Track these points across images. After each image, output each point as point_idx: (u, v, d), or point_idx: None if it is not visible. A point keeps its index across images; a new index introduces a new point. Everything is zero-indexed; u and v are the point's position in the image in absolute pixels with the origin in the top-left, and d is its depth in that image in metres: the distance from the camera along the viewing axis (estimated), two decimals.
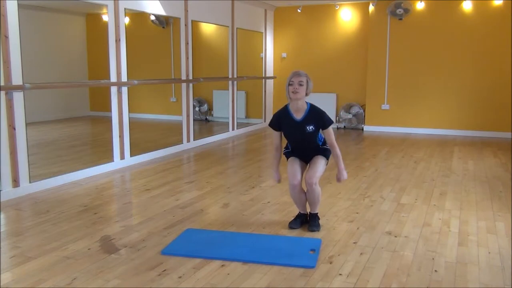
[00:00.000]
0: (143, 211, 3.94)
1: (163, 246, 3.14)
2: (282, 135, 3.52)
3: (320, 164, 3.44)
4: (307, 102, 3.44)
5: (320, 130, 3.42)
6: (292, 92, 3.34)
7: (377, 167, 5.67)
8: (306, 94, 3.38)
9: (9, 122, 4.25)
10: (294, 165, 3.47)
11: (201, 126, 8.53)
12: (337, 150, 3.40)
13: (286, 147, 3.62)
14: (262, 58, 9.37)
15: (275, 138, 3.54)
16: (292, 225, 3.53)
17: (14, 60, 4.23)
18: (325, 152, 3.51)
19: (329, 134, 3.40)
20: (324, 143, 3.52)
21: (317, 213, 3.56)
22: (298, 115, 3.41)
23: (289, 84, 3.35)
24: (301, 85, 3.33)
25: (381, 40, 8.73)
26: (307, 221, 3.58)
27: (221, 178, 5.12)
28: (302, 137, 3.43)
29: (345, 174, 3.44)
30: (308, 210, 3.58)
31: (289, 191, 3.53)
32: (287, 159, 3.58)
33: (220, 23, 7.83)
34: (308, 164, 3.52)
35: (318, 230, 3.46)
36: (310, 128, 3.37)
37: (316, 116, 3.39)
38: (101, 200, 4.26)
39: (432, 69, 8.47)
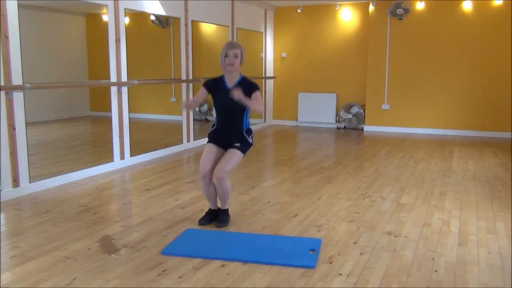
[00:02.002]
0: (143, 211, 3.94)
1: (163, 246, 3.14)
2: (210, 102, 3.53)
3: (233, 157, 3.43)
4: (240, 74, 3.50)
5: (251, 95, 3.36)
6: (228, 64, 3.40)
7: (377, 167, 5.67)
8: (240, 65, 3.46)
9: (9, 122, 4.25)
10: (207, 154, 3.49)
11: (201, 126, 8.52)
12: (259, 106, 3.33)
13: (212, 126, 3.61)
14: (262, 58, 9.37)
15: (198, 94, 3.55)
16: (202, 221, 3.56)
17: (14, 60, 4.23)
18: (244, 143, 3.49)
19: (257, 98, 3.38)
20: (249, 131, 3.51)
21: (227, 209, 3.60)
22: (230, 84, 3.47)
23: (225, 56, 3.41)
24: (236, 57, 3.41)
25: (381, 40, 8.73)
26: (216, 216, 3.61)
27: None
28: (230, 105, 3.39)
29: (236, 91, 3.22)
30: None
31: (200, 185, 3.55)
32: (207, 141, 3.59)
33: (220, 23, 7.83)
34: (223, 156, 3.48)
35: (225, 226, 3.51)
36: None
37: (246, 85, 3.42)
38: (101, 200, 4.26)
39: (432, 69, 8.47)
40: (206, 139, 3.66)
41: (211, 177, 3.49)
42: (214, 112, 3.60)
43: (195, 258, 2.94)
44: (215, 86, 3.52)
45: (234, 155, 3.45)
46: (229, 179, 4.74)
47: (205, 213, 3.68)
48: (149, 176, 5.22)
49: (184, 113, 6.92)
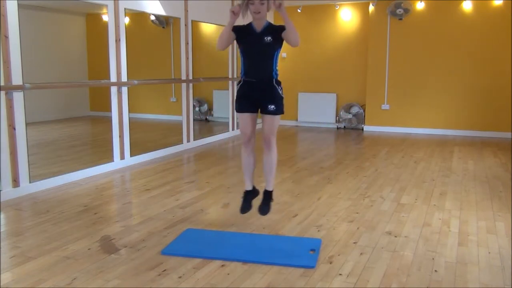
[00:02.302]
0: (143, 211, 3.94)
1: (163, 246, 3.14)
2: (236, 48, 3.39)
3: (274, 122, 3.35)
4: (267, 21, 3.34)
5: (282, 35, 3.25)
6: (254, 12, 3.21)
7: (377, 167, 5.67)
8: (268, 11, 3.28)
9: (9, 122, 4.25)
10: (245, 119, 3.38)
11: (201, 126, 8.53)
12: (296, 32, 3.20)
13: (239, 82, 3.45)
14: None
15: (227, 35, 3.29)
16: (244, 210, 3.49)
17: (14, 60, 4.23)
18: (276, 103, 3.34)
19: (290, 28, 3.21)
20: (278, 82, 3.36)
21: (272, 191, 3.50)
22: (258, 28, 3.31)
23: (250, 4, 3.20)
24: (262, 4, 3.20)
25: (381, 40, 8.73)
26: (255, 195, 3.55)
27: (221, 178, 5.12)
28: (259, 48, 3.30)
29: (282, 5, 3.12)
30: (259, 187, 3.52)
31: (241, 154, 3.47)
32: (236, 107, 3.43)
33: (220, 23, 7.83)
34: (263, 121, 3.39)
35: (267, 213, 3.46)
36: (268, 39, 3.26)
37: (274, 27, 3.30)
38: (101, 200, 4.26)
39: (432, 69, 8.47)
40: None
41: (255, 141, 3.41)
42: (241, 62, 3.40)
43: (195, 258, 2.94)
44: (243, 33, 3.34)
45: (274, 120, 3.36)
46: (229, 179, 4.74)
47: (242, 199, 3.54)
48: (149, 176, 5.22)
49: (184, 113, 6.92)
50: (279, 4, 3.11)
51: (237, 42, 3.37)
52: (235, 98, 3.48)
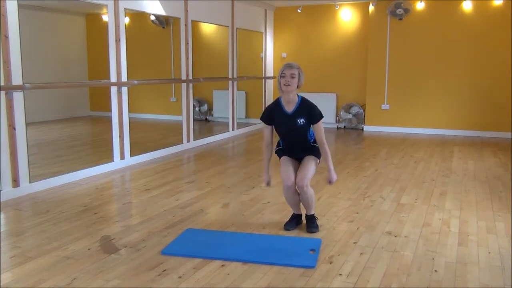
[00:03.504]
0: (143, 211, 3.94)
1: (163, 246, 3.14)
2: (274, 131, 3.49)
3: (310, 165, 3.40)
4: (298, 95, 3.43)
5: (311, 125, 3.39)
6: (284, 84, 3.31)
7: (377, 167, 5.67)
8: (298, 87, 3.38)
9: (9, 122, 4.25)
10: (287, 165, 3.43)
11: (201, 126, 8.53)
12: (326, 147, 3.37)
13: (278, 145, 3.58)
14: (262, 58, 9.37)
15: (266, 134, 3.49)
16: (288, 227, 3.51)
17: (14, 60, 4.23)
18: (316, 152, 3.47)
19: (319, 129, 3.36)
20: (315, 140, 3.46)
21: (313, 214, 3.54)
22: (289, 108, 3.38)
23: (281, 77, 3.33)
24: (293, 77, 3.32)
25: (381, 40, 8.73)
26: (300, 221, 3.58)
27: (221, 178, 5.12)
28: (293, 131, 3.38)
29: (334, 176, 3.41)
30: (304, 212, 3.57)
31: (283, 193, 3.50)
32: (279, 158, 3.55)
33: (220, 23, 7.83)
34: (300, 165, 3.47)
35: (317, 231, 3.45)
36: (301, 121, 3.34)
37: (307, 109, 3.37)
38: (101, 200, 4.26)
39: (432, 69, 8.47)
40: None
41: (295, 187, 3.42)
42: (279, 137, 3.54)
43: (195, 258, 2.94)
44: (273, 114, 3.43)
45: (311, 163, 3.41)
46: (229, 179, 4.74)
47: (290, 218, 3.58)
48: (149, 176, 5.22)
49: (184, 113, 6.92)
50: (329, 182, 3.43)
51: (272, 124, 3.48)
52: (276, 150, 3.61)
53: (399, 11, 8.41)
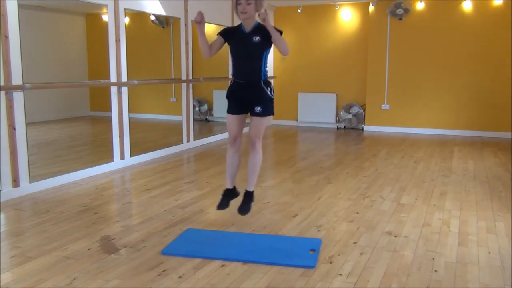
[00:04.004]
0: (143, 211, 3.94)
1: (163, 246, 3.14)
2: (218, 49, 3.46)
3: (262, 123, 3.39)
4: (256, 21, 3.38)
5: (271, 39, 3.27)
6: (241, 12, 3.30)
7: (377, 167, 5.67)
8: (257, 11, 3.33)
9: (9, 122, 4.25)
10: (233, 120, 3.43)
11: (201, 126, 8.53)
12: (284, 42, 3.27)
13: (230, 83, 3.50)
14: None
15: (214, 42, 3.44)
16: (222, 207, 3.53)
17: (14, 60, 4.23)
18: (265, 105, 3.37)
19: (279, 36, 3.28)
20: (267, 83, 3.38)
21: (253, 192, 3.54)
22: (247, 28, 3.37)
23: (238, 4, 3.30)
24: (249, 4, 3.27)
25: (381, 40, 8.73)
26: (235, 195, 3.60)
27: (221, 178, 5.11)
28: (247, 49, 3.34)
29: (268, 20, 3.20)
30: (240, 187, 3.58)
31: (227, 153, 3.50)
32: (227, 108, 3.47)
33: (220, 23, 7.82)
34: (251, 122, 3.43)
35: (247, 214, 3.49)
36: (256, 38, 3.31)
37: (263, 28, 3.31)
38: (101, 200, 4.26)
39: (432, 69, 8.47)
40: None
41: (241, 142, 3.46)
42: (230, 63, 3.45)
43: (195, 258, 2.94)
44: (232, 34, 3.42)
45: (261, 122, 3.39)
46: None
47: (221, 196, 3.58)
48: (149, 176, 5.22)
49: (184, 113, 6.92)
50: (263, 19, 3.19)
51: (228, 44, 3.45)
52: (226, 95, 3.53)
53: (399, 11, 8.41)
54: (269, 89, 3.41)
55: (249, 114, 3.46)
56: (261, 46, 3.34)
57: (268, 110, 3.41)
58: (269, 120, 3.46)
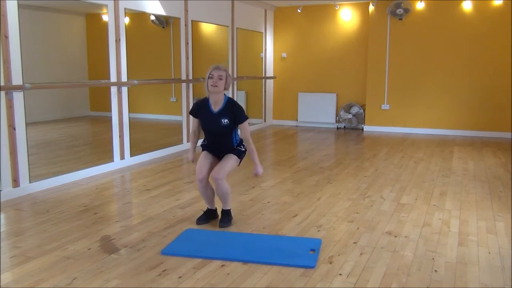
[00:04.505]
0: (143, 211, 3.94)
1: (163, 246, 3.14)
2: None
3: (229, 161, 3.48)
4: (225, 96, 3.48)
5: (238, 125, 3.46)
6: (212, 85, 3.37)
7: (377, 167, 5.67)
8: (225, 89, 3.43)
9: (9, 122, 4.25)
10: (203, 160, 3.53)
11: None
12: (251, 145, 3.46)
13: (204, 140, 3.64)
14: (262, 58, 9.37)
15: (193, 124, 3.61)
16: (200, 221, 3.60)
17: (14, 60, 4.23)
18: (238, 152, 3.55)
19: (244, 129, 3.46)
20: (240, 143, 3.56)
21: (229, 209, 3.61)
22: (216, 108, 3.45)
23: (209, 77, 3.38)
24: (220, 79, 3.37)
25: (381, 40, 8.73)
26: (215, 216, 3.68)
27: None
28: (217, 130, 3.46)
29: (260, 169, 3.48)
30: (219, 207, 3.68)
31: (197, 186, 3.57)
32: (202, 150, 3.63)
33: (220, 23, 7.83)
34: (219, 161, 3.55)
35: (228, 226, 3.53)
36: (225, 121, 3.41)
37: (232, 110, 3.43)
38: (101, 200, 4.26)
39: (432, 69, 8.47)
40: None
41: (207, 181, 3.52)
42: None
43: (195, 258, 2.94)
44: (200, 111, 3.52)
45: (230, 160, 3.49)
46: (230, 179, 4.72)
47: (203, 212, 3.71)
48: (149, 176, 5.22)
49: (184, 113, 6.92)
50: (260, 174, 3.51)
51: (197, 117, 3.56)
52: (201, 144, 3.67)
53: (399, 11, 8.41)
54: (242, 146, 3.57)
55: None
56: (231, 126, 3.47)
57: (240, 154, 3.56)
58: (235, 163, 3.53)
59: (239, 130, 3.53)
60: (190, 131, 3.72)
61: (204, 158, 3.54)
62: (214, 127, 3.46)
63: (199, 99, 3.63)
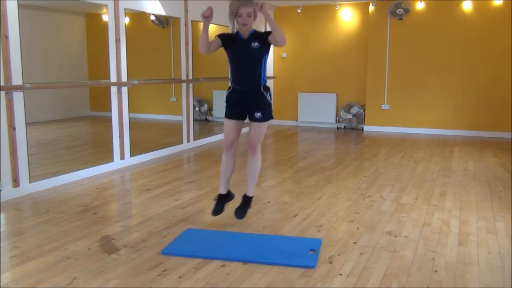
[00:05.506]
0: (143, 211, 3.94)
1: (163, 246, 3.14)
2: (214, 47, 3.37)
3: (261, 129, 3.40)
4: (252, 29, 3.38)
5: (268, 39, 3.29)
6: (242, 24, 3.27)
7: (377, 167, 5.67)
8: (253, 20, 3.32)
9: (9, 122, 4.25)
10: (230, 124, 3.43)
11: (201, 126, 8.53)
12: (281, 33, 3.24)
13: (228, 89, 3.50)
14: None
15: (213, 41, 3.34)
16: (216, 212, 3.52)
17: (14, 60, 4.23)
18: (264, 110, 3.40)
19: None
20: (266, 88, 3.40)
21: (252, 197, 3.55)
22: (245, 35, 3.36)
23: (238, 16, 3.25)
24: (249, 16, 3.26)
25: (381, 40, 8.73)
26: (228, 200, 3.61)
27: None
28: (246, 55, 3.34)
29: (265, 10, 3.20)
30: (235, 192, 3.62)
31: (222, 157, 3.49)
32: (225, 113, 3.46)
33: (220, 23, 7.82)
34: (250, 127, 3.44)
35: (243, 217, 3.50)
36: (255, 44, 3.31)
37: (260, 33, 3.36)
38: (101, 200, 4.26)
39: (432, 69, 8.47)
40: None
41: (237, 147, 3.45)
42: (229, 69, 3.44)
43: (195, 258, 2.94)
44: (230, 40, 3.39)
45: (261, 128, 3.41)
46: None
47: (215, 201, 3.59)
48: (149, 176, 5.22)
49: (184, 113, 6.92)
50: (261, 6, 3.19)
51: (225, 49, 3.42)
52: (225, 103, 3.51)
53: (399, 11, 8.41)
54: (268, 94, 3.44)
55: (247, 119, 3.48)
56: (260, 52, 3.35)
57: (267, 115, 3.44)
58: (266, 128, 3.46)
59: (271, 39, 3.27)
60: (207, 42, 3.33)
61: (230, 124, 3.43)
62: (244, 52, 3.33)
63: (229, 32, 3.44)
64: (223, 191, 3.62)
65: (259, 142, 3.43)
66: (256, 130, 3.43)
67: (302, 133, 8.74)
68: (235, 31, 3.39)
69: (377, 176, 5.22)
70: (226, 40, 3.39)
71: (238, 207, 3.57)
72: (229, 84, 3.49)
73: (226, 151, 3.51)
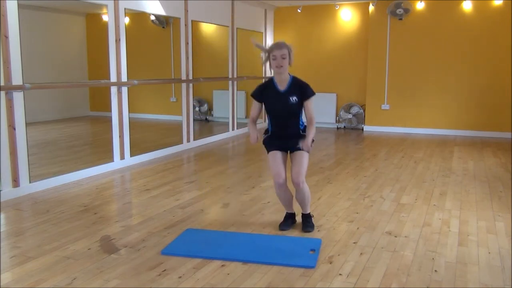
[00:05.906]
0: (143, 211, 3.94)
1: (163, 246, 3.14)
2: (263, 109, 3.41)
3: (304, 160, 3.32)
4: (290, 75, 3.37)
5: (303, 102, 3.31)
6: (276, 66, 3.27)
7: (377, 167, 5.67)
8: (290, 64, 3.32)
9: (9, 122, 4.25)
10: (276, 160, 3.35)
11: (201, 126, 8.53)
12: (314, 124, 3.29)
13: (266, 132, 3.49)
14: (262, 58, 9.35)
15: (253, 110, 3.41)
16: (283, 227, 3.48)
17: (14, 60, 4.23)
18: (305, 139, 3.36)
19: (310, 105, 3.31)
20: (305, 129, 3.38)
21: (309, 212, 3.53)
22: (282, 86, 3.34)
23: (272, 59, 3.27)
24: (283, 58, 3.26)
25: (381, 40, 8.73)
26: (294, 220, 3.57)
27: (221, 178, 5.12)
28: (285, 110, 3.32)
29: (309, 145, 3.24)
30: (297, 211, 3.55)
31: (275, 191, 3.45)
32: (267, 149, 3.45)
33: (220, 23, 7.83)
34: (292, 161, 3.39)
35: (312, 231, 3.44)
36: (293, 99, 3.29)
37: (299, 87, 3.32)
38: (101, 200, 4.26)
39: (432, 69, 8.47)
40: (262, 145, 3.49)
41: (287, 184, 3.37)
42: (267, 118, 3.46)
43: (195, 258, 2.94)
44: (266, 93, 3.39)
45: (304, 157, 3.33)
46: (229, 179, 4.73)
47: (284, 218, 3.56)
48: (149, 176, 5.22)
49: (184, 113, 6.93)
50: (307, 148, 3.25)
51: (263, 101, 3.41)
52: (263, 139, 3.48)
53: (399, 11, 8.41)
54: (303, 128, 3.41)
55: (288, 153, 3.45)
56: (299, 105, 3.33)
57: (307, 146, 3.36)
58: (308, 158, 3.42)
59: (304, 108, 3.33)
60: (250, 118, 3.41)
61: (275, 159, 3.35)
62: (282, 107, 3.31)
63: (262, 82, 3.44)
64: (289, 211, 3.57)
65: (302, 175, 3.29)
66: (298, 161, 3.32)
67: None
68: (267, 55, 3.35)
69: (377, 176, 5.22)
70: (262, 96, 3.40)
71: (302, 224, 3.49)
72: (267, 127, 3.48)
73: (279, 187, 3.39)
